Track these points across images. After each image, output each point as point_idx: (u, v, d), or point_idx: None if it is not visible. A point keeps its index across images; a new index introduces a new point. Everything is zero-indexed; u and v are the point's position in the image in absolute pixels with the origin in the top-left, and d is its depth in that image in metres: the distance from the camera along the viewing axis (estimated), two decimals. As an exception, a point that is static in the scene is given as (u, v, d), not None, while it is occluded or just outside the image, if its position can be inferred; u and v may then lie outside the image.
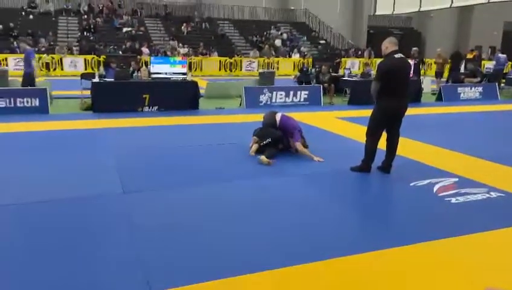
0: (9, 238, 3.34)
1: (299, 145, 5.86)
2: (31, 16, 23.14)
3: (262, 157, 5.50)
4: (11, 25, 21.39)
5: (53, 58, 18.74)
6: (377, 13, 34.19)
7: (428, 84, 14.72)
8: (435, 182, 4.83)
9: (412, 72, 12.29)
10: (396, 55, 4.93)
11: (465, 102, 12.55)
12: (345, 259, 3.07)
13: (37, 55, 18.46)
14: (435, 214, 3.98)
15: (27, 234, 3.39)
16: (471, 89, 13.30)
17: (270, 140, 5.84)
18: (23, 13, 23.27)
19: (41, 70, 18.32)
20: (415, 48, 14.24)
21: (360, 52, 26.01)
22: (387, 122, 5.09)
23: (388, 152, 5.20)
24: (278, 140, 5.91)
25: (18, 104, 8.81)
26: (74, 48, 20.24)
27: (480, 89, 13.41)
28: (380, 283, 2.80)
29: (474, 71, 14.51)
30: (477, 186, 4.74)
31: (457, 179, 4.96)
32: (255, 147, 5.88)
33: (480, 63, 19.06)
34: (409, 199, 4.42)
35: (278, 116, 6.09)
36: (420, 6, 21.99)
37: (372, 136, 5.12)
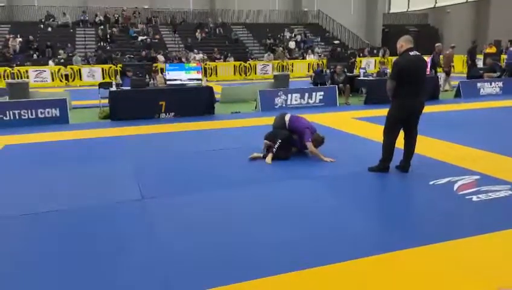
0: (33, 245, 3.42)
1: (310, 146, 5.83)
2: (49, 29, 23.72)
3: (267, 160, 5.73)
4: (31, 38, 21.96)
5: (72, 69, 19.14)
6: (391, 11, 33.87)
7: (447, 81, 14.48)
8: (455, 180, 4.74)
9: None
10: (411, 53, 4.88)
11: (484, 98, 12.28)
12: (364, 260, 3.04)
13: (56, 67, 18.99)
14: (455, 213, 3.91)
15: (49, 242, 3.47)
16: (490, 84, 13.01)
17: (280, 141, 5.80)
18: (42, 26, 23.87)
19: (61, 81, 18.78)
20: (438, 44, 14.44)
21: (375, 51, 25.78)
22: (404, 121, 5.03)
23: (406, 151, 5.14)
24: (287, 139, 5.88)
25: (39, 115, 9.04)
26: (90, 58, 20.68)
27: (500, 84, 13.10)
28: (400, 283, 2.76)
29: (493, 66, 14.21)
30: (499, 183, 4.63)
31: (478, 177, 4.86)
32: (269, 156, 5.80)
33: (500, 57, 18.65)
34: (428, 198, 4.35)
35: (287, 118, 6.08)
36: (436, 2, 21.71)
37: (390, 135, 5.07)
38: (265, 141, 5.99)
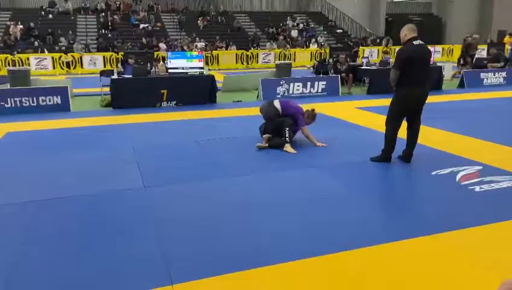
0: (35, 232, 3.43)
1: (306, 131, 5.93)
2: (50, 16, 23.54)
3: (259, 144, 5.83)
4: (32, 25, 21.81)
5: (73, 56, 19.05)
6: (395, 0, 33.47)
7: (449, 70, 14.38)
8: (457, 171, 4.73)
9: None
10: (415, 42, 4.82)
11: (488, 88, 12.21)
12: (368, 249, 3.04)
13: (57, 54, 18.90)
14: (458, 203, 3.91)
15: (52, 229, 3.47)
16: (494, 74, 12.93)
17: (288, 129, 5.73)
18: (43, 13, 23.69)
19: (62, 69, 18.71)
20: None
21: (378, 41, 25.55)
22: (407, 111, 5.00)
23: (409, 141, 5.11)
24: (291, 126, 5.85)
25: (41, 103, 9.02)
26: (91, 46, 20.56)
27: (504, 74, 13.02)
28: (403, 273, 2.77)
29: (497, 56, 14.10)
30: (502, 173, 4.62)
31: (481, 167, 4.85)
32: (288, 146, 5.75)
33: (504, 47, 18.49)
34: (431, 188, 4.34)
35: (277, 104, 5.99)
36: (440, -9, 21.41)
37: (392, 125, 5.04)
38: (265, 135, 5.93)
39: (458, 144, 5.98)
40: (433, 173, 4.71)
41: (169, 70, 10.02)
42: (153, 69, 10.38)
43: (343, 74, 11.62)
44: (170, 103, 9.69)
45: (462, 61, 14.53)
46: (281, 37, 24.02)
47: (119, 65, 11.25)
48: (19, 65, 17.38)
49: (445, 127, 6.87)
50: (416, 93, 4.88)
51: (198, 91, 9.84)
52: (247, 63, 21.33)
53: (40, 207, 3.93)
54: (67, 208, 3.91)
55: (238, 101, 10.32)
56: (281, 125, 5.81)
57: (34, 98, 8.97)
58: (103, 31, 22.97)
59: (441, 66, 12.77)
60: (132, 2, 26.13)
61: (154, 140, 6.53)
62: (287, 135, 5.75)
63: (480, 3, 31.35)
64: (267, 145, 5.86)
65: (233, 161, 5.35)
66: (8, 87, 9.97)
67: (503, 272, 2.74)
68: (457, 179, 4.50)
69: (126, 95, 9.37)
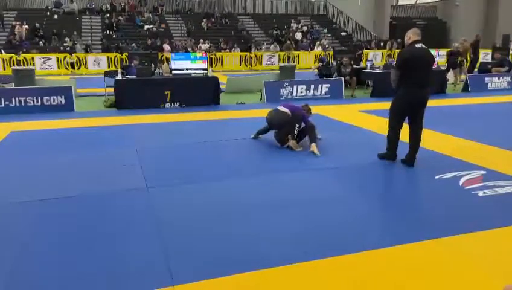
0: (40, 232, 3.44)
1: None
2: (55, 16, 23.65)
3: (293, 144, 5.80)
4: (37, 25, 21.92)
5: (78, 57, 19.12)
6: (399, 3, 33.50)
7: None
8: (460, 175, 4.71)
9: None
10: (417, 45, 4.91)
11: (492, 92, 12.17)
12: (370, 253, 3.03)
13: (62, 55, 18.97)
14: (461, 208, 3.89)
15: (55, 228, 3.48)
16: (498, 79, 12.89)
17: (298, 126, 5.79)
18: (48, 13, 23.80)
19: (66, 69, 18.77)
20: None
21: (382, 44, 25.53)
22: (407, 112, 5.03)
23: (411, 145, 5.11)
24: (300, 121, 5.89)
25: (45, 102, 9.05)
26: (93, 47, 20.64)
27: (508, 78, 12.98)
28: (406, 277, 2.76)
29: (501, 60, 14.06)
30: (505, 178, 4.60)
31: (484, 172, 4.83)
32: (294, 142, 5.81)
33: (508, 52, 18.44)
34: (434, 193, 4.33)
35: (284, 109, 5.98)
36: (444, -5, 21.41)
37: (393, 127, 5.13)
38: (291, 139, 5.85)
39: (462, 148, 5.96)
40: (437, 177, 4.69)
41: (173, 72, 10.04)
42: (157, 70, 10.40)
43: (347, 77, 11.61)
44: (174, 104, 9.71)
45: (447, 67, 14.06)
46: (288, 42, 23.92)
47: (122, 70, 11.18)
48: (24, 65, 17.45)
49: (449, 131, 6.85)
50: (416, 94, 4.92)
51: (201, 92, 9.85)
52: (251, 65, 21.34)
53: (42, 207, 3.94)
54: (70, 207, 3.92)
55: (241, 103, 10.33)
56: (292, 125, 5.83)
57: (38, 98, 9.00)
58: (108, 31, 23.07)
59: (445, 70, 12.74)
60: (137, 3, 26.22)
61: (157, 141, 6.54)
62: (296, 132, 5.79)
63: (485, 8, 31.29)
64: (301, 147, 5.83)
65: (235, 163, 5.35)
66: (13, 86, 10.02)
67: (506, 277, 2.73)
68: (460, 184, 4.49)
69: (130, 95, 9.39)
